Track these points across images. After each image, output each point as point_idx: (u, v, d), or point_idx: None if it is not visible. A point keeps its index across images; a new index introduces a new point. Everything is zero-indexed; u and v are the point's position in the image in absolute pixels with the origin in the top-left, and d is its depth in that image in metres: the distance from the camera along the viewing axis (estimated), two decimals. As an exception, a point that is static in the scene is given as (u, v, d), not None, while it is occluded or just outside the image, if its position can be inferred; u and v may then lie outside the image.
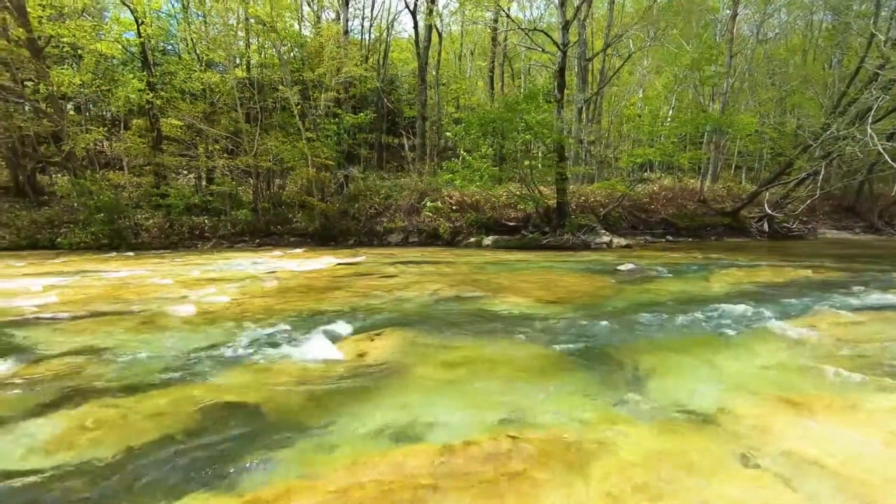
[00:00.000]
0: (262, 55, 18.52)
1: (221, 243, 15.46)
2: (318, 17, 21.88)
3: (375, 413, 2.33)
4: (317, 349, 3.32)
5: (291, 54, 18.41)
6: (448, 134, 14.21)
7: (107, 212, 15.05)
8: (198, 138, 17.40)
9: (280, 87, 16.30)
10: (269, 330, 3.86)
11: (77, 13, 16.91)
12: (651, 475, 1.78)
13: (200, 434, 2.15)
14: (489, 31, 22.85)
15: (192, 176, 19.58)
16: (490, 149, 13.56)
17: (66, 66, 16.88)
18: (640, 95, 21.03)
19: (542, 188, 14.55)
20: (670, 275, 7.13)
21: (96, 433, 2.13)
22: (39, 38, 15.09)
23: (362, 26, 24.37)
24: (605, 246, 12.84)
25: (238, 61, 17.46)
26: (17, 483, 1.76)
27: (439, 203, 15.72)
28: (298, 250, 13.47)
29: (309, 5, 22.21)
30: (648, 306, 4.82)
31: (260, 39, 18.33)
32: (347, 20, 20.04)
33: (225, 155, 17.00)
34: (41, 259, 11.84)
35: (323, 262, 9.68)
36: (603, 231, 13.78)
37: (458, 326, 4.02)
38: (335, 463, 1.85)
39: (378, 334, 3.68)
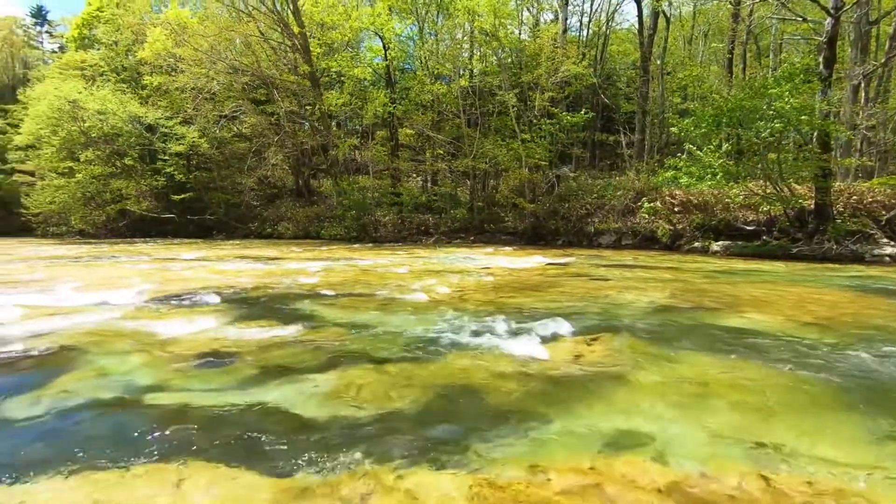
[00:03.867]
0: (484, 63, 19.72)
1: (441, 239, 17.07)
2: (537, 21, 22.29)
3: (596, 419, 2.26)
4: (533, 345, 3.38)
5: (510, 60, 19.16)
6: (673, 129, 12.90)
7: (356, 209, 18.07)
8: (426, 144, 19.52)
9: (498, 91, 17.15)
10: (488, 322, 4.08)
11: (343, 47, 20.64)
12: None
13: (434, 408, 2.40)
14: (729, 6, 19.94)
15: (419, 178, 22.15)
16: (727, 143, 11.82)
17: (333, 90, 20.75)
18: (958, 61, 15.66)
19: (793, 186, 12.08)
20: None
21: (356, 394, 2.57)
22: (317, 70, 18.92)
23: (580, 23, 23.94)
24: (887, 259, 10.00)
25: (462, 71, 18.98)
26: (306, 427, 2.23)
27: (658, 203, 14.44)
28: (508, 248, 13.99)
29: (528, 10, 22.79)
30: (967, 343, 3.58)
31: (482, 49, 19.56)
32: (566, 19, 19.91)
33: (448, 158, 18.68)
34: (311, 247, 14.87)
35: (533, 260, 9.85)
36: (885, 240, 10.75)
37: (684, 340, 3.63)
38: (558, 462, 1.86)
39: (595, 338, 3.57)
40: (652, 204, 14.46)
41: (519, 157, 16.50)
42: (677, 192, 14.26)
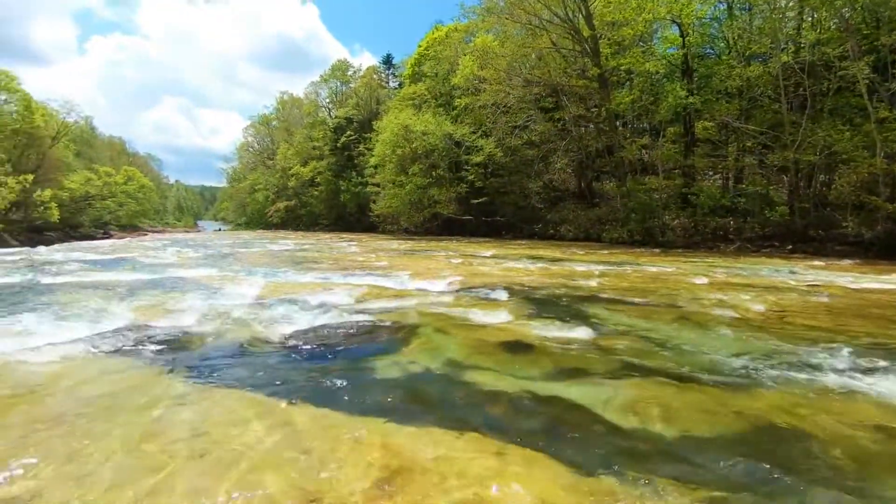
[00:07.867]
0: (818, 30, 15.82)
1: (745, 247, 14.57)
2: (910, -42, 16.54)
3: None
4: (902, 393, 2.55)
5: (860, 18, 14.81)
6: None
7: (640, 212, 17.10)
8: (730, 137, 16.97)
9: (839, 63, 13.50)
10: (823, 352, 3.27)
11: (634, 42, 19.77)
12: None
13: (754, 445, 2.06)
14: None
15: (717, 177, 19.36)
16: None
17: (622, 90, 20.12)
18: None
19: None
20: None
21: (658, 409, 2.42)
22: (605, 71, 18.65)
23: None
24: None
25: (784, 46, 15.68)
26: (608, 431, 2.23)
27: None
28: (847, 261, 10.92)
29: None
30: None
31: (816, 14, 15.71)
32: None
33: (759, 151, 15.80)
34: (593, 249, 14.81)
35: (891, 279, 7.40)
36: None
37: None
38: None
39: None
40: None
41: (871, 142, 12.62)
42: None
